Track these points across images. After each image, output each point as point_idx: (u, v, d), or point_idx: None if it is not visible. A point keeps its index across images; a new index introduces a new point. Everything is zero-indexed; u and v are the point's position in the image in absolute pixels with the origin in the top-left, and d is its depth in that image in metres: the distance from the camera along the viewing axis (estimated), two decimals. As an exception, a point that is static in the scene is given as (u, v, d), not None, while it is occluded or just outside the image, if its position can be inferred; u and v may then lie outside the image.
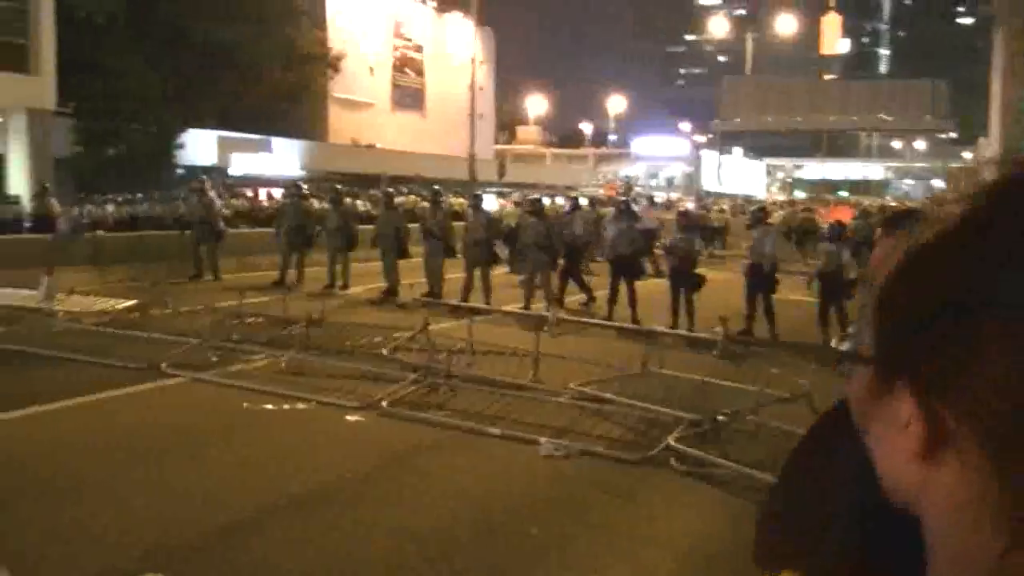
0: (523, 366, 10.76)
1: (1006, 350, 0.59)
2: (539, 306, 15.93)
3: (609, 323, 14.97)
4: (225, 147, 46.44)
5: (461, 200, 32.49)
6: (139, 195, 31.38)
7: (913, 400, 0.64)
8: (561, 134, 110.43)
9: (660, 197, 50.70)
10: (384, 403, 9.14)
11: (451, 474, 7.56)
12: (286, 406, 9.15)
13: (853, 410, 0.71)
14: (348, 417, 8.91)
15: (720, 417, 8.52)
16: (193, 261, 19.19)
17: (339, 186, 21.41)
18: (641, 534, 6.41)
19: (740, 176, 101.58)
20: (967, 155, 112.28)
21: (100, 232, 19.57)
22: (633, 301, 15.33)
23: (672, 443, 7.90)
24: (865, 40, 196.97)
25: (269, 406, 9.13)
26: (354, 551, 5.97)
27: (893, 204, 54.00)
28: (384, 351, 11.31)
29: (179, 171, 41.45)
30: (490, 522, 6.53)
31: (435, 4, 75.76)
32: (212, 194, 20.73)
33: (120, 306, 13.23)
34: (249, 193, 37.40)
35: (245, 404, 9.18)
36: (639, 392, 9.82)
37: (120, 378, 9.99)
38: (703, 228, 19.93)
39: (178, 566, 5.66)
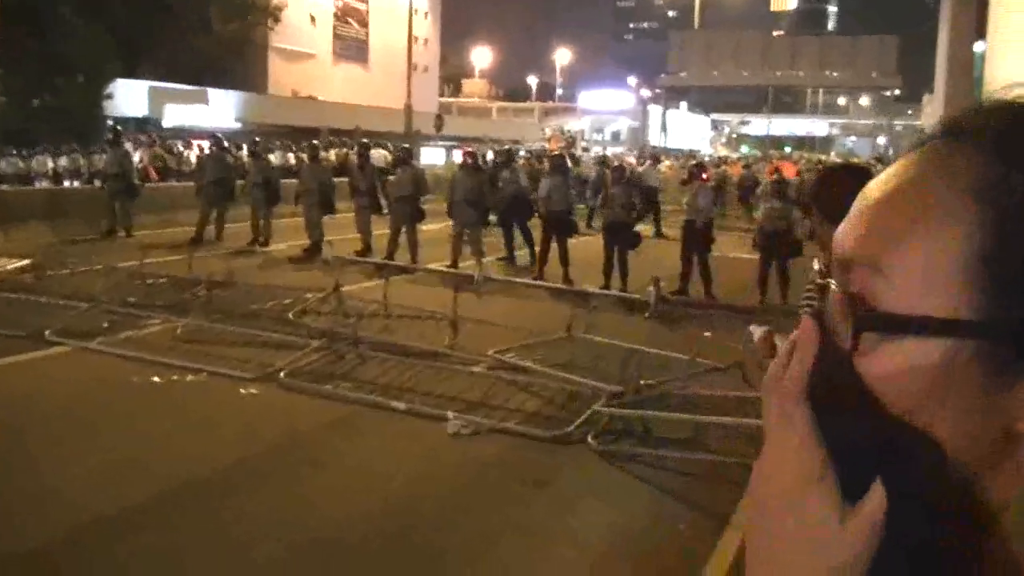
0: (441, 331, 10.07)
1: None
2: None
3: (539, 283, 14.27)
4: (158, 98, 44.97)
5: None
6: (61, 148, 29.93)
7: None
8: (508, 88, 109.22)
9: (596, 152, 49.99)
10: (282, 374, 8.37)
11: (348, 458, 6.85)
12: (174, 378, 8.35)
13: (889, 388, 0.60)
14: (242, 390, 8.13)
15: (643, 389, 7.88)
16: (107, 217, 18.14)
17: (257, 139, 20.35)
18: (552, 529, 5.73)
19: (685, 131, 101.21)
20: (911, 112, 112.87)
21: (4, 186, 18.40)
22: (565, 259, 14.64)
23: (589, 418, 7.22)
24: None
25: (156, 379, 8.32)
26: (234, 554, 5.25)
27: (837, 160, 53.60)
28: (290, 315, 10.51)
29: (109, 123, 39.90)
30: (384, 517, 5.83)
31: (378, -47, 73.88)
32: (128, 146, 19.65)
33: (11, 266, 12.24)
34: (181, 147, 35.92)
35: (134, 378, 8.36)
36: (563, 360, 9.17)
37: (-1, 347, 9.11)
38: (642, 185, 19.10)
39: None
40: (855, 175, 3.14)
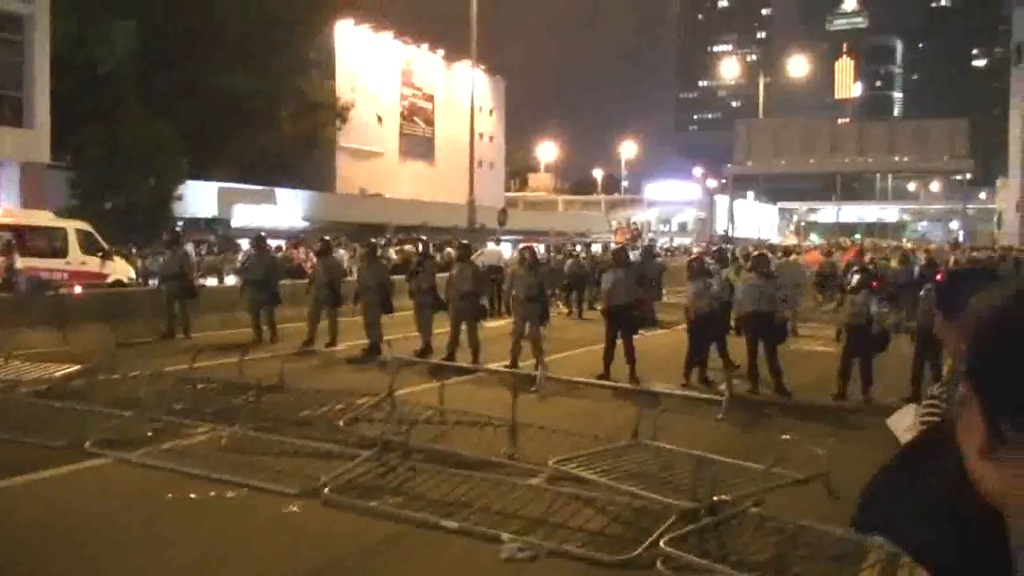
0: (499, 438, 9.44)
1: None
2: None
3: (604, 383, 13.60)
4: (227, 198, 45.53)
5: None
6: (130, 249, 30.18)
7: (978, 407, 0.87)
8: (573, 181, 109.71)
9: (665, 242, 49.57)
10: (326, 489, 7.80)
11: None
12: (212, 494, 7.82)
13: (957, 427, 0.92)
14: (284, 508, 7.56)
15: (717, 506, 7.17)
16: (166, 319, 17.91)
17: (327, 237, 20.12)
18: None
19: (753, 220, 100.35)
20: (983, 196, 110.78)
21: (64, 289, 18.32)
22: (631, 357, 13.97)
23: (659, 541, 6.53)
24: (878, 84, 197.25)
25: (193, 495, 7.81)
26: None
27: (910, 246, 52.56)
28: (341, 422, 9.98)
29: (179, 223, 40.38)
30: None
31: (444, 53, 75.28)
32: (188, 247, 19.55)
33: (59, 373, 11.90)
34: (246, 246, 36.07)
35: (170, 495, 7.85)
36: (630, 469, 8.49)
37: (36, 460, 8.67)
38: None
39: None
40: (980, 276, 2.62)
